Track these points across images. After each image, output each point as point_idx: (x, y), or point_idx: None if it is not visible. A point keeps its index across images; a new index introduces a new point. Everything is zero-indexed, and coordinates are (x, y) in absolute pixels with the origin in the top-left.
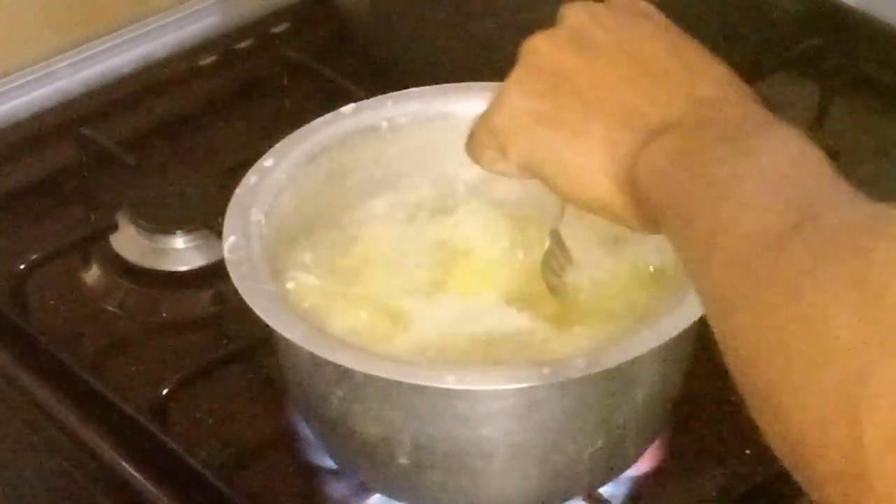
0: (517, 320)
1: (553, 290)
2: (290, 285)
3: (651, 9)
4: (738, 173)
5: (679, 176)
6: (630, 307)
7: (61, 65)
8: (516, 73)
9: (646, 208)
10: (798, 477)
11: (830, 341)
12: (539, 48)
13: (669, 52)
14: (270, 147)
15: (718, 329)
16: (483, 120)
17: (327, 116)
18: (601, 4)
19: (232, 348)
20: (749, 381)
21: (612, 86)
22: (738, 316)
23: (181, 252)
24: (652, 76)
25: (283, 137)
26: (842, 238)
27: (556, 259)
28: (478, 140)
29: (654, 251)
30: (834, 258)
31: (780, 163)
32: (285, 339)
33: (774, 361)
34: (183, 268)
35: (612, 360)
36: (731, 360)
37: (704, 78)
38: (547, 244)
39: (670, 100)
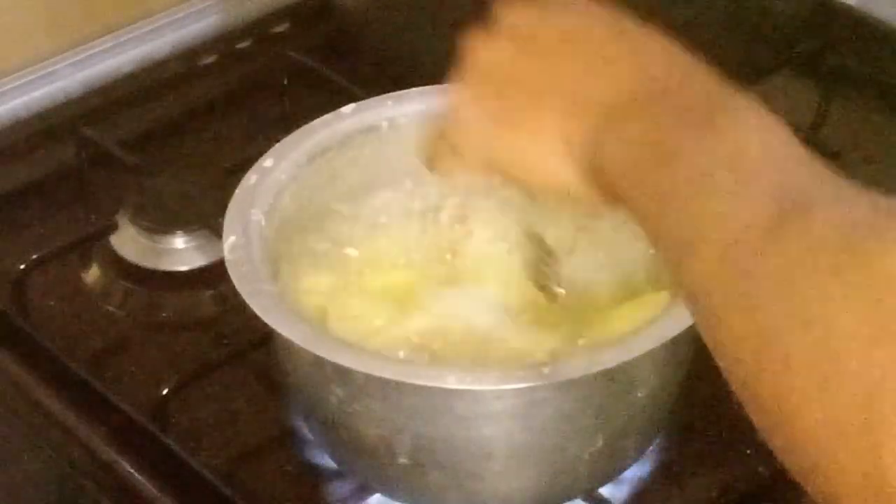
0: (516, 319)
1: (546, 294)
2: (289, 285)
3: None
4: (706, 155)
5: (644, 163)
6: (629, 309)
7: (61, 65)
8: (462, 80)
9: (614, 197)
10: (811, 490)
11: (837, 347)
12: (479, 51)
13: (611, 34)
14: (270, 147)
15: (710, 337)
16: (436, 130)
17: (327, 116)
18: None
19: (232, 348)
20: (751, 390)
21: (559, 75)
22: (731, 318)
23: (181, 252)
24: (597, 60)
25: (283, 137)
26: (841, 233)
27: (543, 262)
28: (435, 151)
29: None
30: (833, 256)
31: (749, 144)
32: (285, 339)
33: (778, 372)
34: (183, 268)
35: (612, 360)
36: (728, 368)
37: (650, 54)
38: (529, 249)
39: (619, 80)
